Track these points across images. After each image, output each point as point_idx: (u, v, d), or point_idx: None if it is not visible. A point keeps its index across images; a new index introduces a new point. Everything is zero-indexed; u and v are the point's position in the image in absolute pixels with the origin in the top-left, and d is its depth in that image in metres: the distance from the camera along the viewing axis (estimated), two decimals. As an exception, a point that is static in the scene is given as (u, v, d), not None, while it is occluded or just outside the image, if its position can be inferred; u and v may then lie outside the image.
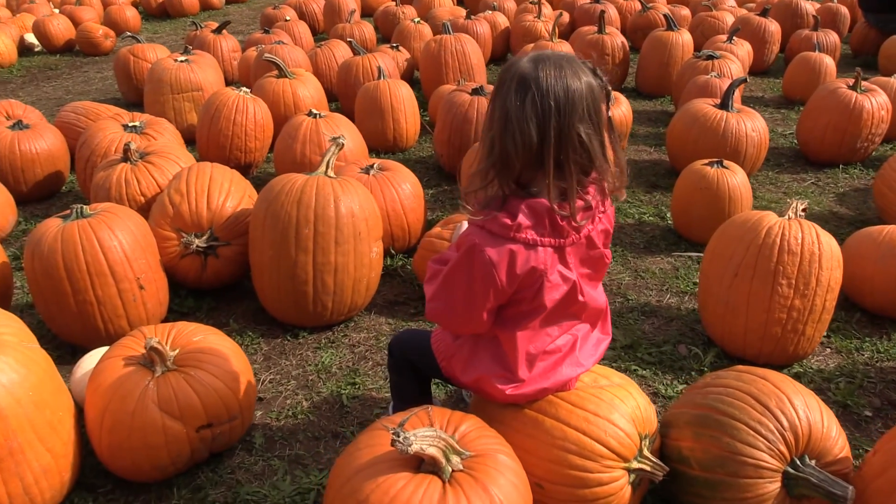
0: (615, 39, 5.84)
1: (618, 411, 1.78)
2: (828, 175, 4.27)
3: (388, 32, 7.53)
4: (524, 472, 1.63)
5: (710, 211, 3.27)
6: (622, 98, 4.39)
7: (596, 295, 1.79)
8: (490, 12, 7.08)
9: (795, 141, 4.64)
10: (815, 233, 2.45)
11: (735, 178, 3.27)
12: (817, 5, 7.33)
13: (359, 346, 2.70)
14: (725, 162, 3.33)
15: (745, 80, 4.09)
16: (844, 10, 7.50)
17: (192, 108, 4.72)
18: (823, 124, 4.27)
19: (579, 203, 1.60)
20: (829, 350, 2.70)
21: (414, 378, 2.03)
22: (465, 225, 1.86)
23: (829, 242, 2.45)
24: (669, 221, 3.64)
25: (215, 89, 4.65)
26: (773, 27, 6.50)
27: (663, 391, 2.45)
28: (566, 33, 6.98)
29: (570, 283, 1.67)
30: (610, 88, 1.65)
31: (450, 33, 5.38)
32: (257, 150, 4.16)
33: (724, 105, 3.97)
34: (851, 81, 4.28)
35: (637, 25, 7.15)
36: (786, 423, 1.72)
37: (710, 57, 5.09)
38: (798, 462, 1.71)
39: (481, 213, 1.61)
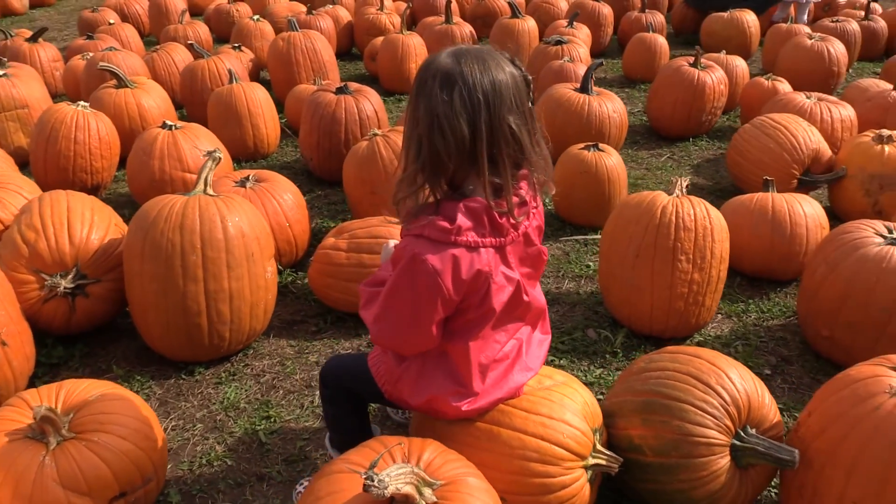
0: (463, 29, 5.87)
1: (569, 410, 1.75)
2: (680, 149, 4.54)
3: (222, 32, 7.11)
4: (493, 490, 1.56)
5: (590, 194, 3.36)
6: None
7: (537, 294, 1.75)
8: (331, 6, 6.88)
9: (646, 118, 4.90)
10: (705, 208, 2.56)
11: (611, 160, 3.37)
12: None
13: (264, 375, 2.50)
14: (600, 145, 3.42)
15: (601, 64, 4.24)
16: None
17: (18, 127, 4.17)
18: (672, 101, 4.53)
19: (515, 199, 1.54)
20: (720, 316, 2.85)
21: (353, 408, 1.89)
22: (392, 243, 1.76)
23: (717, 215, 2.57)
24: (549, 207, 3.69)
25: (43, 105, 4.15)
26: (605, 10, 6.83)
27: (583, 377, 2.47)
28: (408, 25, 6.94)
29: (515, 284, 1.61)
30: (530, 78, 1.60)
31: (297, 30, 5.15)
32: (105, 170, 3.75)
33: (584, 89, 4.09)
34: (692, 59, 4.57)
35: (476, 14, 7.25)
36: (728, 398, 1.77)
37: (559, 42, 5.25)
38: (742, 433, 1.77)
39: (414, 221, 1.52)
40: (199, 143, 3.50)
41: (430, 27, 5.95)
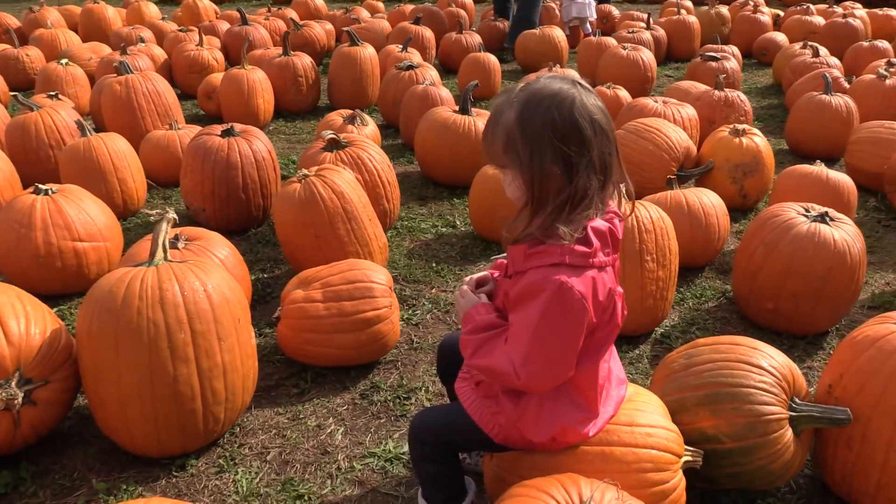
0: (304, 60, 5.72)
1: (657, 414, 1.81)
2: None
3: (13, 80, 6.24)
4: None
5: (513, 211, 3.45)
6: (368, 118, 4.35)
7: None
8: (143, 45, 6.35)
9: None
10: (655, 210, 2.76)
11: (527, 175, 3.50)
12: (452, 10, 8.17)
13: (268, 452, 2.25)
14: (515, 162, 3.54)
15: (477, 85, 4.37)
16: (464, 12, 8.53)
17: None
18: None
19: (615, 216, 1.60)
20: (665, 307, 3.08)
21: (457, 462, 1.79)
22: (470, 293, 1.72)
23: (665, 215, 2.79)
24: (465, 228, 3.74)
25: None
26: (427, 33, 7.04)
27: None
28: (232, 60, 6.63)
29: (622, 297, 1.63)
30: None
31: (130, 72, 4.69)
32: (-44, 253, 3.14)
33: (465, 110, 4.19)
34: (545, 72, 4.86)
35: (295, 44, 7.09)
36: (779, 375, 1.94)
37: (410, 67, 5.32)
38: (793, 405, 1.94)
39: (542, 249, 1.50)
40: (83, 205, 3.08)
41: (266, 60, 5.72)
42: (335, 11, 9.21)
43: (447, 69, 7.11)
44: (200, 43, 6.33)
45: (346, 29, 5.92)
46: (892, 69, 5.47)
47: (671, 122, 4.29)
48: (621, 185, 1.57)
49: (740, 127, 3.99)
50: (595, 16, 8.19)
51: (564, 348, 1.51)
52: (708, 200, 3.30)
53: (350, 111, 4.18)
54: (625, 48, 6.12)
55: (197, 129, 4.40)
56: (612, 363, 1.77)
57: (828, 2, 9.58)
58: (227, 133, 3.61)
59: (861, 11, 8.66)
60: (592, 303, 1.48)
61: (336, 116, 4.11)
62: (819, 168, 3.48)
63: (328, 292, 2.50)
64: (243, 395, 2.25)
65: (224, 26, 7.79)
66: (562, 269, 1.46)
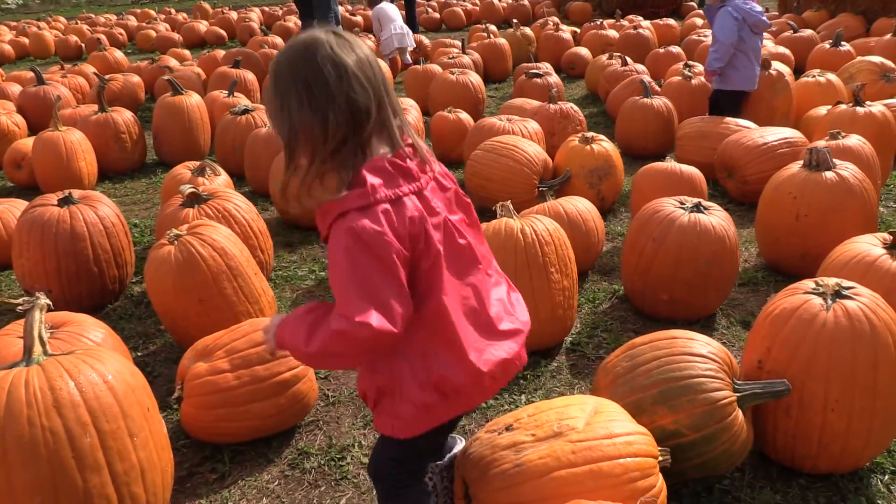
0: (124, 115, 5.27)
1: (628, 420, 1.80)
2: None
3: None
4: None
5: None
6: (219, 168, 4.05)
7: (480, 241, 1.69)
8: (-79, 117, 5.53)
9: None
10: (549, 222, 2.80)
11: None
12: (266, 52, 7.95)
13: (202, 550, 1.97)
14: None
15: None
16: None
17: None
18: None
19: (410, 150, 1.56)
20: (565, 315, 3.13)
21: (419, 487, 1.76)
22: (270, 320, 1.65)
23: (558, 226, 2.83)
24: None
25: None
26: (250, 76, 6.79)
27: (516, 407, 2.49)
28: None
29: (442, 222, 1.55)
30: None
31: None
32: None
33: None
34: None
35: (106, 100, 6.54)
36: (719, 360, 2.01)
37: (246, 111, 5.07)
38: (736, 385, 2.01)
39: (328, 205, 1.48)
40: None
41: (81, 119, 5.19)
42: (139, 63, 8.63)
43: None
44: (-9, 108, 5.64)
45: (166, 78, 5.54)
46: (692, 70, 6.05)
47: (522, 138, 4.44)
48: (395, 122, 1.53)
49: (588, 135, 4.19)
50: (413, 45, 8.34)
51: (385, 285, 1.44)
52: (582, 206, 3.41)
53: (197, 162, 3.88)
54: (453, 73, 6.26)
55: (15, 201, 3.89)
56: (490, 305, 1.65)
57: (615, 17, 10.49)
58: (66, 201, 3.20)
59: (646, 23, 9.58)
60: (393, 234, 1.44)
61: (183, 170, 3.79)
62: (671, 164, 3.73)
63: (235, 359, 2.25)
64: (164, 493, 1.96)
65: (15, 88, 7.02)
66: (348, 217, 1.44)
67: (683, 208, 2.93)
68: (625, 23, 10.36)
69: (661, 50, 7.43)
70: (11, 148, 5.02)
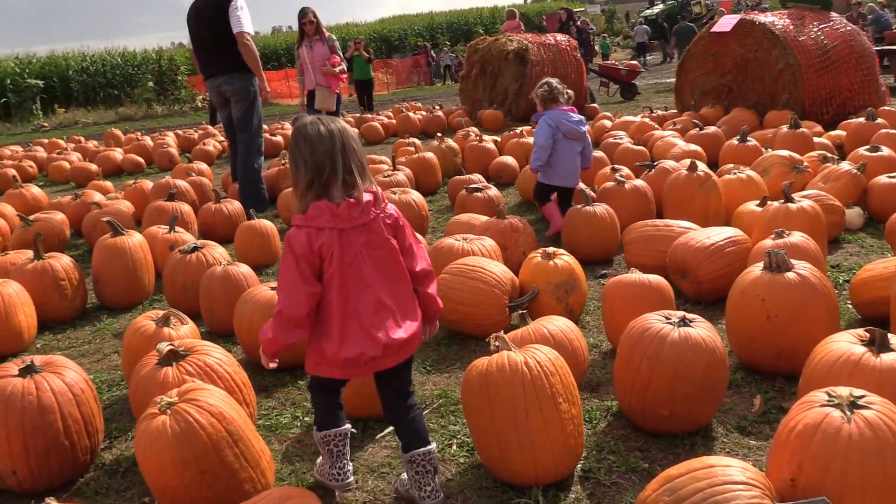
0: (62, 261, 5.02)
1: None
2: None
3: None
4: None
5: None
6: (184, 315, 3.88)
7: (385, 276, 2.46)
8: None
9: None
10: (548, 350, 2.81)
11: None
12: (195, 180, 7.84)
13: None
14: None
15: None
16: (206, 180, 8.23)
17: None
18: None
19: (352, 202, 2.37)
20: (566, 440, 3.09)
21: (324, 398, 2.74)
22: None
23: (556, 353, 2.84)
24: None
25: None
26: (186, 208, 6.66)
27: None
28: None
29: (351, 259, 2.39)
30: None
31: None
32: None
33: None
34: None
35: (29, 243, 6.25)
36: (761, 484, 2.01)
37: (196, 248, 4.94)
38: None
39: (294, 219, 2.44)
40: None
41: (16, 269, 4.92)
42: (60, 198, 8.34)
43: (213, 238, 6.72)
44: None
45: (106, 219, 5.34)
46: (622, 175, 6.39)
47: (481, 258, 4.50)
48: (344, 179, 2.37)
49: (549, 250, 4.30)
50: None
51: (290, 276, 2.37)
52: (564, 325, 3.45)
53: (161, 311, 3.71)
54: (394, 192, 6.36)
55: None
56: (365, 316, 2.42)
57: (530, 123, 11.02)
58: (28, 370, 2.97)
59: (561, 129, 10.08)
60: (307, 244, 2.35)
61: (146, 321, 3.61)
62: (638, 275, 3.85)
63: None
64: None
65: (-73, 236, 6.61)
66: (292, 230, 2.42)
67: (671, 323, 3.01)
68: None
69: (584, 156, 7.80)
70: (-61, 308, 4.66)
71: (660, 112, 12.02)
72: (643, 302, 3.68)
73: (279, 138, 13.05)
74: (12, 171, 11.45)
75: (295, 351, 2.95)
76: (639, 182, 6.14)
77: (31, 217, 6.72)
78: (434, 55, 38.95)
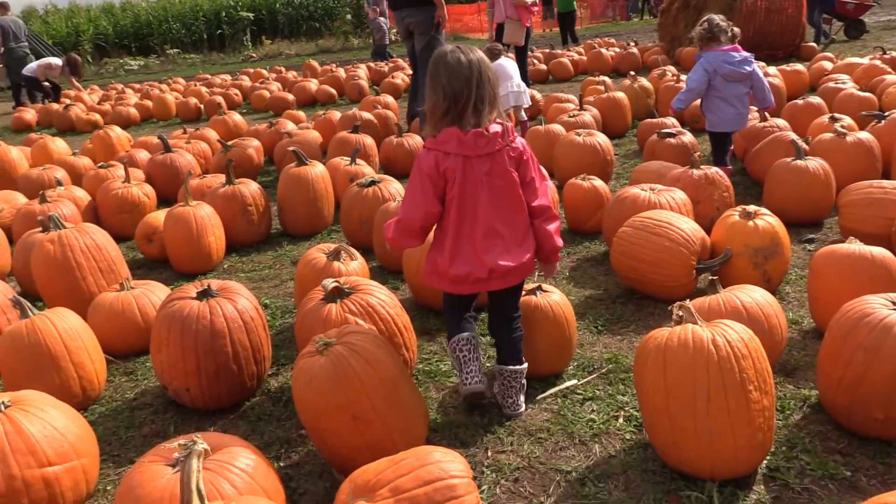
0: (251, 187, 5.25)
1: None
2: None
3: None
4: None
5: (550, 341, 3.06)
6: (354, 251, 3.89)
7: (501, 205, 2.63)
8: (62, 188, 5.71)
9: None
10: (742, 329, 2.43)
11: (558, 297, 3.13)
12: (380, 112, 7.92)
13: None
14: (543, 285, 3.16)
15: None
16: (391, 113, 8.27)
17: None
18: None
19: (479, 132, 2.54)
20: (751, 429, 2.71)
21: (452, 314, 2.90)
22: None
23: (751, 333, 2.45)
24: (491, 363, 3.30)
25: None
26: (369, 140, 6.71)
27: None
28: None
29: (472, 185, 2.58)
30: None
31: (61, 227, 4.08)
32: None
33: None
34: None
35: (225, 165, 6.64)
36: None
37: (373, 182, 4.94)
38: None
39: (428, 139, 2.65)
40: (47, 416, 2.46)
41: (210, 192, 5.22)
42: (257, 126, 8.81)
43: (393, 175, 6.74)
44: (127, 179, 5.76)
45: (292, 149, 5.51)
46: (843, 126, 5.53)
47: (669, 211, 4.08)
48: (478, 109, 2.54)
49: (750, 209, 3.79)
50: (529, 103, 8.13)
51: (413, 191, 2.62)
52: (761, 299, 3.00)
53: (333, 244, 3.73)
54: (579, 134, 5.98)
55: (151, 284, 3.85)
56: (476, 241, 2.62)
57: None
58: (204, 294, 3.07)
59: (772, 69, 9.02)
60: (434, 166, 2.56)
61: (318, 254, 3.64)
62: (858, 246, 3.26)
63: (403, 500, 1.98)
64: None
65: (143, 155, 7.25)
66: (423, 150, 2.62)
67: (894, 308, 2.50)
68: (747, 70, 9.83)
69: (801, 101, 6.90)
70: (143, 222, 5.07)
71: (894, 54, 10.34)
72: (862, 279, 3.13)
73: (465, 73, 12.91)
74: (219, 99, 12.32)
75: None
76: (864, 135, 5.27)
77: (230, 143, 7.11)
78: (632, -12, 36.64)
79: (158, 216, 5.02)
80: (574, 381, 3.09)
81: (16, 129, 13.12)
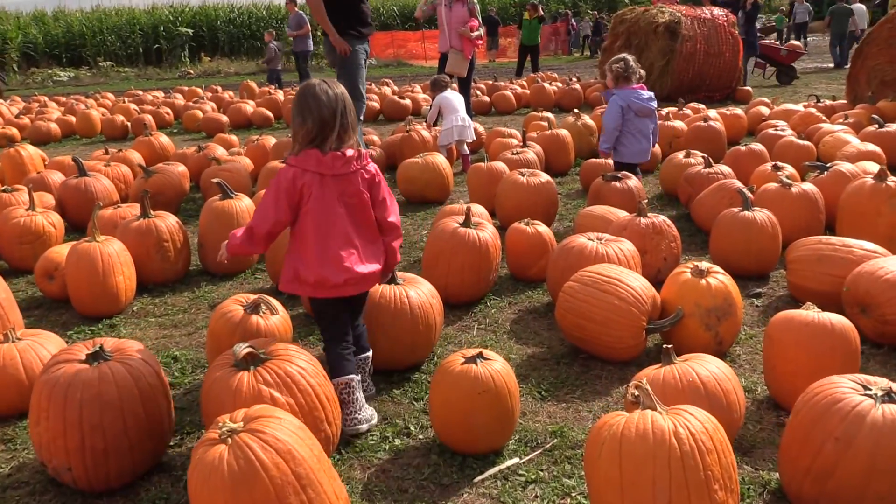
0: (168, 221, 4.80)
1: None
2: (481, 314, 4.19)
3: None
4: None
5: (494, 415, 2.75)
6: (276, 303, 3.51)
7: (354, 221, 2.94)
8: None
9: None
10: (704, 416, 2.17)
11: (500, 366, 2.82)
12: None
13: None
14: (484, 353, 2.85)
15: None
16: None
17: None
18: (459, 267, 4.18)
19: (338, 154, 2.85)
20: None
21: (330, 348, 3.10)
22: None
23: (714, 419, 2.20)
24: (425, 437, 2.96)
25: None
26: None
27: None
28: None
29: (327, 200, 2.86)
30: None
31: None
32: None
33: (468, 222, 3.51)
34: (460, 220, 4.32)
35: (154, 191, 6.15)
36: None
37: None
38: None
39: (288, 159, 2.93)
40: None
41: (122, 226, 4.75)
42: (185, 149, 8.31)
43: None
44: (32, 206, 5.22)
45: (216, 181, 5.09)
46: (787, 176, 5.47)
47: (618, 264, 3.86)
48: (337, 137, 2.84)
49: (702, 267, 3.59)
50: (473, 137, 7.92)
51: (267, 201, 2.88)
52: (720, 372, 2.76)
53: (250, 296, 3.34)
54: (522, 174, 5.75)
55: (42, 335, 3.39)
56: (332, 249, 2.89)
57: (677, 105, 10.01)
58: (95, 357, 2.65)
59: (713, 112, 9.07)
60: (291, 181, 2.83)
61: (234, 305, 3.25)
62: (816, 314, 3.07)
63: None
64: None
65: (56, 177, 6.68)
66: (283, 167, 2.89)
67: (871, 396, 2.28)
68: (687, 111, 9.89)
69: (743, 147, 6.88)
70: (44, 257, 4.56)
71: (827, 102, 10.59)
72: (821, 349, 2.95)
73: (407, 101, 12.67)
74: (148, 118, 11.72)
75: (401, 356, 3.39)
76: (808, 186, 5.20)
77: (152, 168, 6.63)
78: (574, 23, 37.36)
79: (62, 251, 4.53)
80: (516, 460, 2.78)
81: (-77, 141, 12.17)
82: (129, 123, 12.05)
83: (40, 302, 4.65)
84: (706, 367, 2.77)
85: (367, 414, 3.01)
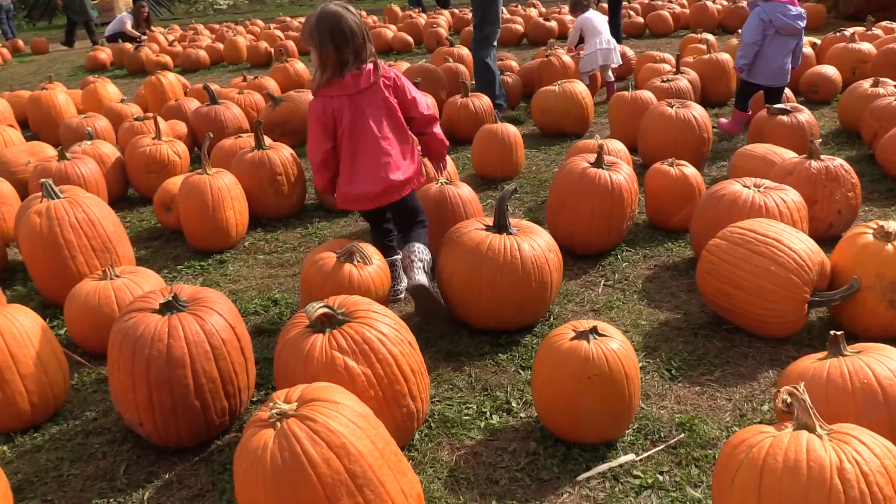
0: (282, 153, 4.62)
1: None
2: (610, 268, 3.68)
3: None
4: None
5: (606, 401, 2.30)
6: (373, 252, 3.20)
7: (385, 129, 3.16)
8: (89, 143, 5.23)
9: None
10: (882, 448, 1.61)
11: (618, 344, 2.34)
12: (451, 66, 7.11)
13: None
14: (599, 327, 2.38)
15: (515, 191, 3.26)
16: (464, 68, 7.45)
17: None
18: (587, 212, 3.66)
19: (356, 73, 3.07)
20: None
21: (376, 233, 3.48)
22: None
23: (889, 445, 1.63)
24: (526, 416, 2.57)
25: None
26: (430, 100, 5.95)
27: None
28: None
29: (358, 117, 3.09)
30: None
31: (55, 196, 3.56)
32: None
33: (502, 227, 3.07)
34: (592, 158, 3.77)
35: (273, 121, 6.01)
36: None
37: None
38: None
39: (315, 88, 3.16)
40: None
41: (237, 157, 4.61)
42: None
43: (454, 140, 5.95)
44: (158, 135, 5.22)
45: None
46: None
47: (779, 219, 3.19)
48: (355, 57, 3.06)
49: (890, 227, 2.85)
50: (619, 61, 7.14)
51: (310, 136, 3.19)
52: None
53: (346, 241, 3.04)
54: (671, 105, 5.01)
55: (140, 272, 3.30)
56: (363, 164, 3.16)
57: (866, 23, 8.54)
58: (168, 307, 2.46)
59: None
60: (322, 110, 3.09)
61: (328, 253, 2.97)
62: None
63: None
64: None
65: (193, 104, 6.71)
66: (314, 98, 3.15)
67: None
68: (878, 31, 8.41)
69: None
70: (162, 188, 4.53)
71: None
72: None
73: (553, 24, 11.82)
74: (290, 44, 11.72)
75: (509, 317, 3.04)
76: None
77: (281, 96, 6.49)
78: (749, -67, 33.54)
79: (179, 182, 4.46)
80: (631, 456, 2.33)
81: (90, 68, 12.95)
82: (272, 50, 12.13)
83: (160, 233, 4.65)
84: (888, 363, 2.14)
85: (404, 285, 3.33)
